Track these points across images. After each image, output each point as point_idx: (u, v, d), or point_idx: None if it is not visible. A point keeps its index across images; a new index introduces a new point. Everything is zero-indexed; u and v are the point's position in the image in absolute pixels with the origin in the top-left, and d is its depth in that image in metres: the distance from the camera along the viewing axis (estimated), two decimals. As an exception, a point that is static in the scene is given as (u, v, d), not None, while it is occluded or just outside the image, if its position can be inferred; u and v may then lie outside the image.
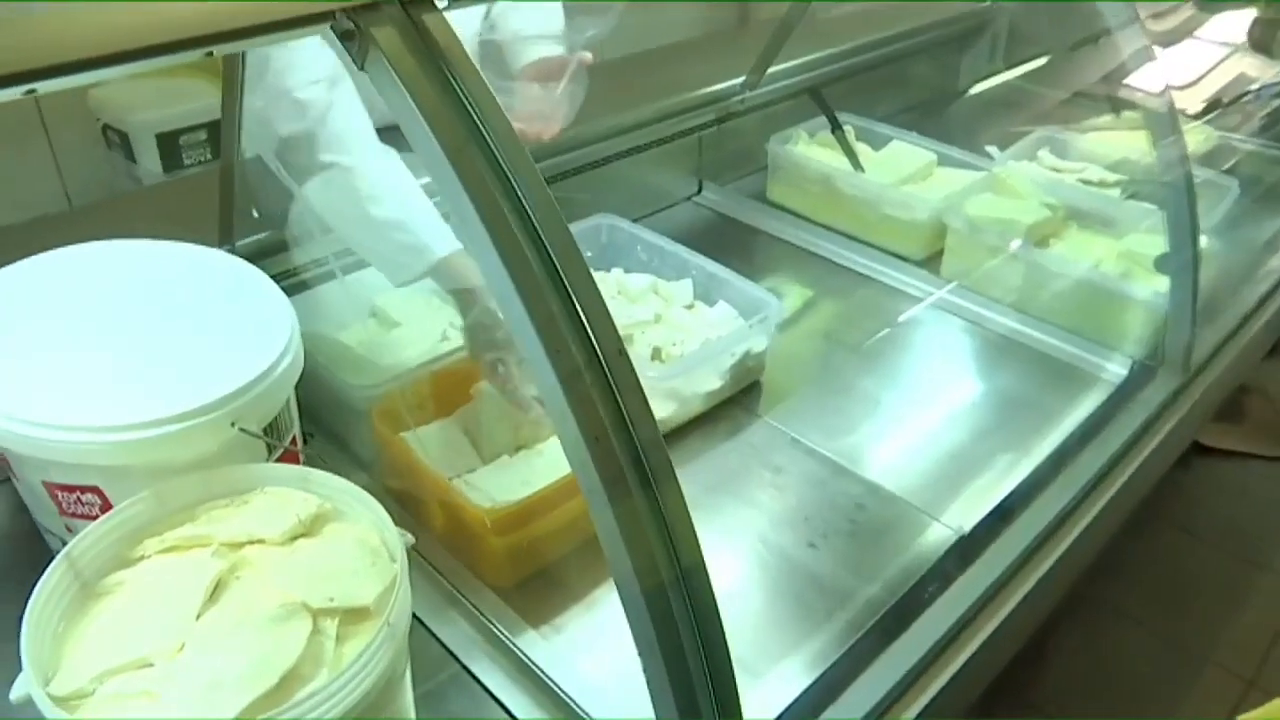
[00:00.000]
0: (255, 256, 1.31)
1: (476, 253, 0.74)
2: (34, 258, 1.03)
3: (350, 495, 0.90)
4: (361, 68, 0.76)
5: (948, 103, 2.39)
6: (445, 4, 0.79)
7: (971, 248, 1.70)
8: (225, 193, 1.26)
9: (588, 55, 1.40)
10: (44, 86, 0.62)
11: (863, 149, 1.95)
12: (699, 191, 1.98)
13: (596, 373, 0.74)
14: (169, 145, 2.24)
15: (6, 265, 1.03)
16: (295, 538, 0.88)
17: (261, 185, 1.21)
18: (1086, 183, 1.89)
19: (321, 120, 1.22)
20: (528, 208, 0.74)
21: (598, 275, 1.56)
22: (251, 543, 0.87)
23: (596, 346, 0.75)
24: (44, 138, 2.32)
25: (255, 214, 1.28)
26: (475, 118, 0.75)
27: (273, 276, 1.12)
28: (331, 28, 0.74)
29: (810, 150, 1.93)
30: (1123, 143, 2.00)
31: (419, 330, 1.36)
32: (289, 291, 1.30)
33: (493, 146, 0.75)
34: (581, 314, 0.73)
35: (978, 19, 2.49)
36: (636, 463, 0.75)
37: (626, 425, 0.75)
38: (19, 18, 0.60)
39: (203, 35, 0.66)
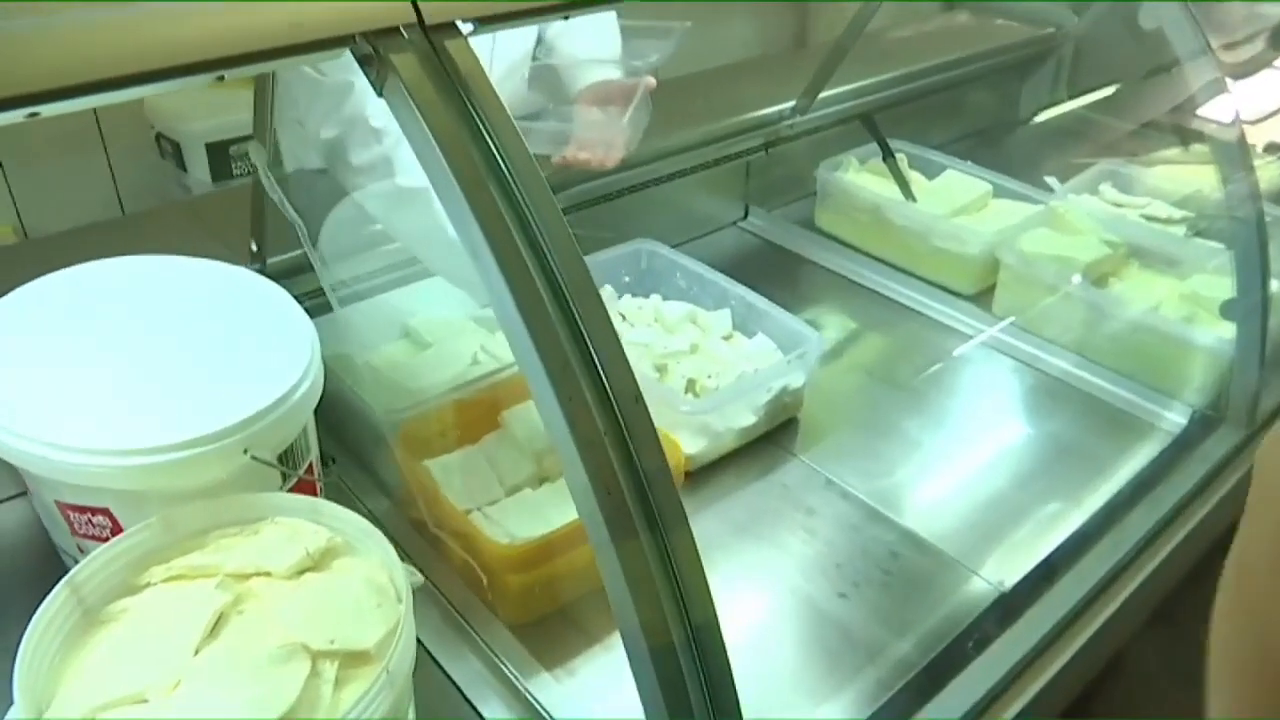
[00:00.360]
0: (289, 274, 1.30)
1: (489, 289, 0.71)
2: (59, 272, 1.02)
3: (361, 530, 0.88)
4: (380, 93, 0.74)
5: (1007, 131, 2.32)
6: (471, 29, 0.76)
7: (1025, 285, 1.63)
8: (257, 209, 1.25)
9: (652, 80, 1.37)
10: (48, 109, 0.60)
11: (915, 177, 1.89)
12: (745, 216, 1.94)
13: (610, 421, 0.71)
14: (219, 155, 2.27)
15: (38, 278, 1.03)
16: (302, 571, 0.85)
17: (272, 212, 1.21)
18: (1150, 219, 1.81)
19: (396, 145, 1.22)
20: (545, 246, 0.71)
21: (635, 301, 1.54)
22: (258, 574, 0.85)
23: (611, 394, 0.71)
24: (100, 145, 2.36)
25: (254, 248, 1.27)
26: (494, 149, 0.72)
27: (304, 295, 1.11)
28: (351, 51, 0.72)
29: (860, 178, 1.88)
30: (1190, 178, 1.91)
31: (449, 352, 1.34)
32: (317, 311, 1.29)
33: (511, 180, 0.72)
34: (597, 360, 0.70)
35: (1040, 46, 2.42)
36: (649, 517, 0.71)
37: (639, 477, 0.71)
38: (21, 38, 0.59)
39: (215, 59, 0.65)
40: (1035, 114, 2.36)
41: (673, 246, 1.62)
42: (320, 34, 0.68)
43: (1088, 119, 2.23)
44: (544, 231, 0.71)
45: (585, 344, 0.71)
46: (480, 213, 0.71)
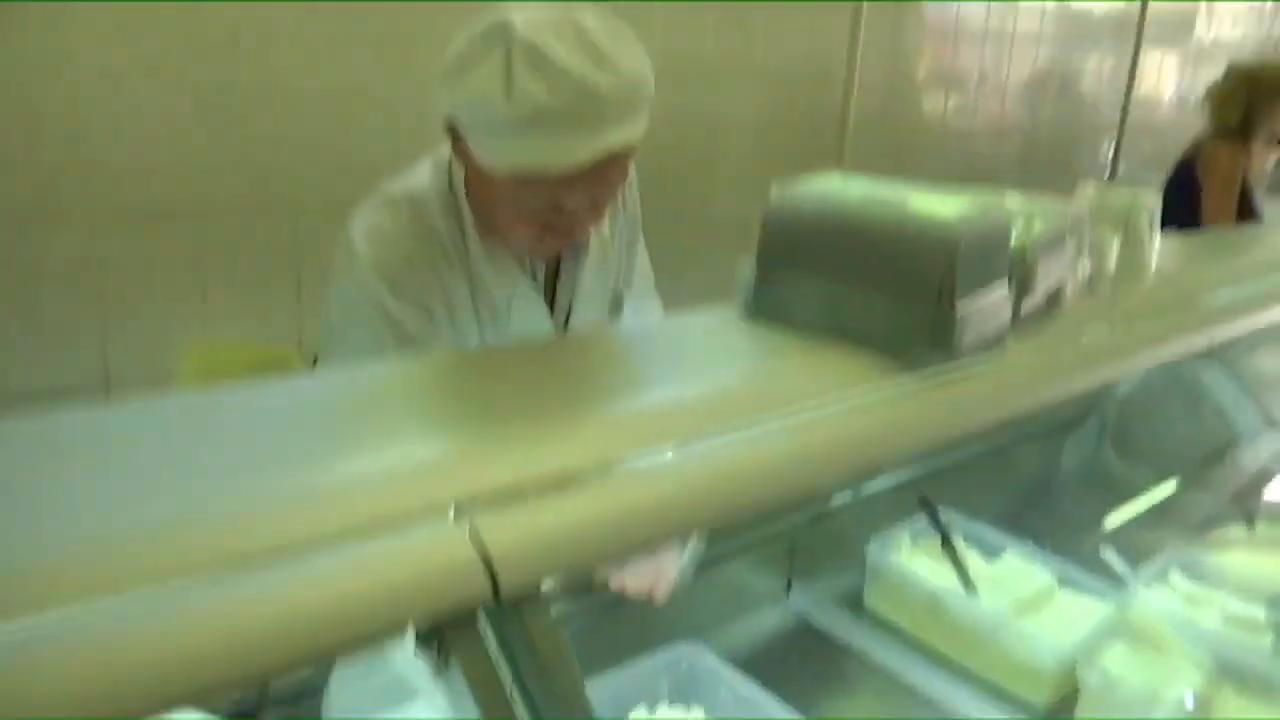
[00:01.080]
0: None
1: None
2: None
3: None
4: (442, 672, 0.61)
5: (1056, 494, 2.22)
6: (550, 584, 0.64)
7: (1110, 709, 1.45)
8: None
9: None
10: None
11: (971, 556, 1.76)
12: (788, 592, 1.79)
13: None
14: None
15: None
16: None
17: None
18: (1231, 620, 1.66)
19: None
20: None
21: (675, 711, 1.36)
22: None
23: None
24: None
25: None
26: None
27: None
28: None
29: (914, 559, 1.75)
30: (1272, 567, 1.79)
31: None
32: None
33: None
34: None
35: (1080, 407, 2.36)
36: None
37: None
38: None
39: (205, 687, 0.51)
40: (1084, 476, 2.27)
41: (708, 633, 1.49)
42: (365, 631, 0.55)
43: (1140, 486, 2.13)
44: None
45: None
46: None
